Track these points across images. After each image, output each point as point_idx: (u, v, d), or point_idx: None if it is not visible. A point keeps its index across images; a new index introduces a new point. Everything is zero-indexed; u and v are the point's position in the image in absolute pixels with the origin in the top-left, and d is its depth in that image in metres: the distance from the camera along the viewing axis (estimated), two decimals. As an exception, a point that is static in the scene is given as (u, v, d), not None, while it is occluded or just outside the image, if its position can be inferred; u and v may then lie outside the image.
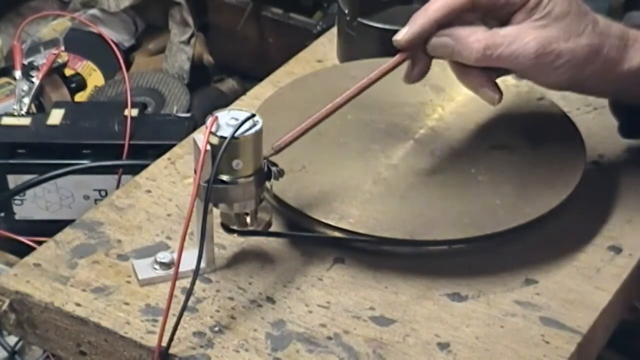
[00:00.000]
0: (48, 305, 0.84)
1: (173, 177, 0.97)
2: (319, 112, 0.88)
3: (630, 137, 0.98)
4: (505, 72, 0.91)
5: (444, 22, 0.88)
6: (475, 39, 0.87)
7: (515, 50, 0.86)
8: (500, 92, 0.90)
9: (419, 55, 0.90)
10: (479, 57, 0.87)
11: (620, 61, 0.88)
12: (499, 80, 1.02)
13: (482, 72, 0.90)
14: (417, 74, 0.91)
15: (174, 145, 1.02)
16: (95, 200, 1.27)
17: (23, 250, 1.07)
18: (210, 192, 0.82)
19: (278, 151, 0.86)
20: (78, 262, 0.88)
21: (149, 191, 0.96)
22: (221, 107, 0.88)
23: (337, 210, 0.88)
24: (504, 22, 0.88)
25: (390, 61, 0.90)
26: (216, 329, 0.82)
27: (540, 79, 0.90)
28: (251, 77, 1.52)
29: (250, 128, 0.82)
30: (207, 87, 1.71)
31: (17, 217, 1.30)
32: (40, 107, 1.41)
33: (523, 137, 0.97)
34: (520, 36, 0.86)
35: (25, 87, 1.39)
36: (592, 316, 0.83)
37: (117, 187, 1.21)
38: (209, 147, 0.81)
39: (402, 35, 0.89)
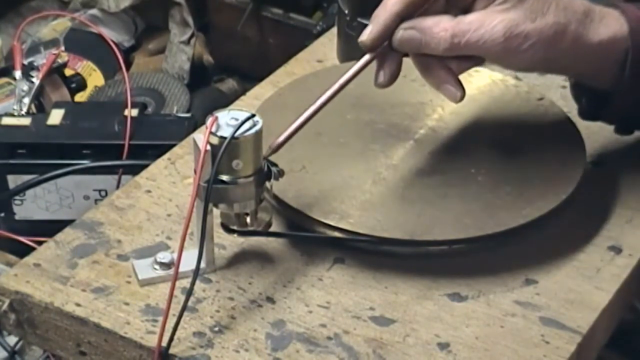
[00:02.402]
0: (48, 306, 0.84)
1: (173, 177, 0.97)
2: (306, 112, 0.87)
3: (589, 120, 0.96)
4: (474, 62, 0.90)
5: (405, 15, 0.87)
6: (441, 28, 0.85)
7: (483, 35, 0.85)
8: (463, 89, 0.88)
9: (388, 55, 0.88)
10: (447, 46, 0.85)
11: (586, 37, 0.87)
12: (500, 80, 1.03)
13: (445, 69, 0.88)
14: (388, 76, 0.89)
15: (174, 145, 1.02)
16: (95, 201, 1.27)
17: (23, 250, 1.07)
18: (210, 192, 0.82)
19: (275, 150, 0.86)
20: (78, 262, 0.88)
21: (149, 191, 0.96)
22: (221, 107, 0.88)
23: (337, 211, 0.88)
24: (467, 10, 0.87)
25: (359, 62, 0.88)
26: (216, 329, 0.82)
27: (511, 62, 0.88)
28: (251, 77, 1.52)
29: (250, 128, 0.82)
30: (207, 87, 1.71)
31: (17, 217, 1.30)
32: (40, 107, 1.41)
33: (523, 137, 0.97)
34: (487, 21, 0.85)
35: (25, 87, 1.39)
36: (592, 316, 0.83)
37: (117, 187, 1.22)
38: (209, 147, 0.81)
39: (367, 35, 0.87)
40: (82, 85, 1.54)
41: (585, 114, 0.96)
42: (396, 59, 0.89)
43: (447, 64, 0.88)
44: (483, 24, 0.85)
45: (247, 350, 0.80)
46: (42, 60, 1.41)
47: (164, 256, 0.86)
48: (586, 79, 0.93)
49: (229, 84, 1.73)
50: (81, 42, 1.69)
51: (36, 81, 1.39)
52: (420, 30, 0.86)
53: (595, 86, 0.92)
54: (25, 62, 1.42)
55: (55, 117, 1.31)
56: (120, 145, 1.26)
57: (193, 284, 0.81)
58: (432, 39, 0.86)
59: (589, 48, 0.87)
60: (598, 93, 0.92)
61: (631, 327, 1.06)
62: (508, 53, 0.86)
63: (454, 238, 0.87)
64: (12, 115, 1.35)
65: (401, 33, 0.87)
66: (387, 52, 0.88)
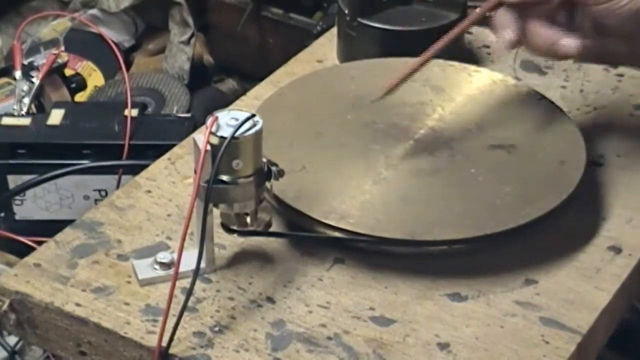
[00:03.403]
0: (48, 306, 0.84)
1: (173, 178, 0.97)
2: (423, 55, 0.91)
3: None
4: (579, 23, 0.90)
5: None
6: None
7: None
8: (578, 40, 0.89)
9: (504, 18, 0.90)
10: None
11: None
12: (500, 80, 1.03)
13: (552, 28, 0.88)
14: (513, 33, 0.90)
15: (174, 145, 1.02)
16: (95, 201, 1.27)
17: (23, 251, 1.07)
18: (210, 192, 0.82)
19: (389, 92, 0.89)
20: (78, 262, 0.88)
21: (149, 191, 0.96)
22: (221, 107, 0.88)
23: (337, 211, 0.88)
24: None
25: (474, 13, 0.91)
26: (216, 329, 0.82)
27: (610, 8, 0.88)
28: (251, 77, 1.52)
29: (250, 128, 0.82)
30: (207, 87, 1.71)
31: (17, 217, 1.30)
32: (40, 107, 1.41)
33: (523, 137, 0.97)
34: None
35: (25, 87, 1.39)
36: (592, 316, 0.83)
37: (117, 187, 1.22)
38: (209, 147, 0.81)
39: None
40: (82, 85, 1.54)
41: None
42: (510, 17, 0.90)
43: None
44: None
45: (247, 350, 0.80)
46: (42, 60, 1.41)
47: (164, 256, 0.86)
48: None
49: (229, 84, 1.73)
50: (81, 42, 1.69)
51: (36, 81, 1.39)
52: None
53: None
54: (25, 62, 1.42)
55: (55, 117, 1.31)
56: (120, 145, 1.26)
57: (193, 284, 0.81)
58: None
59: None
60: None
61: (631, 327, 1.06)
62: None
63: (454, 238, 0.87)
64: (12, 115, 1.35)
65: None
66: (498, 15, 0.90)
